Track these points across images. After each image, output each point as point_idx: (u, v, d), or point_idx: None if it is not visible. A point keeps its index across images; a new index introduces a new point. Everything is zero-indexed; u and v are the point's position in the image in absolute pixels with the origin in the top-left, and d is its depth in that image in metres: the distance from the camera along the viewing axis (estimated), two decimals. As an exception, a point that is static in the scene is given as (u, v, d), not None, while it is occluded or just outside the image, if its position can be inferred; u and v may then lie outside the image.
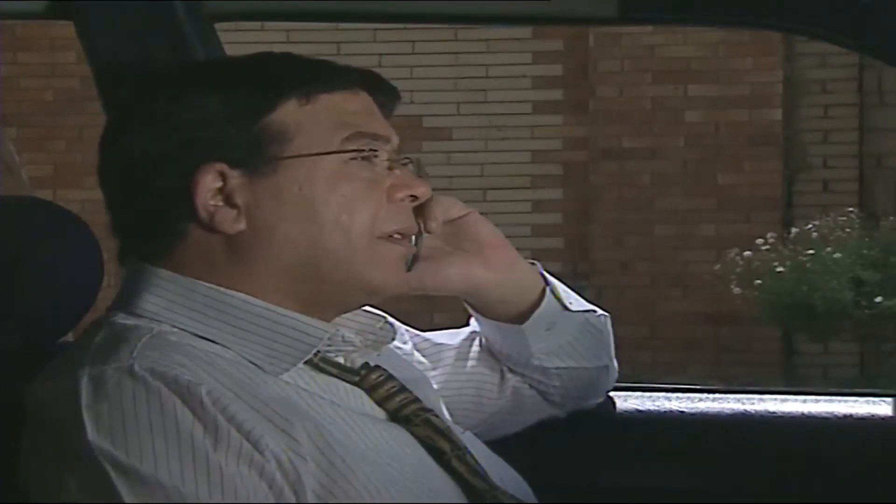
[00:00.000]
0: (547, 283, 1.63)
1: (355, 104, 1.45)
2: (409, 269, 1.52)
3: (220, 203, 1.39)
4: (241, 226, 1.40)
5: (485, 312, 1.63)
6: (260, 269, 1.40)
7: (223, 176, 1.39)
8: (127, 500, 1.25)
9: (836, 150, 8.16)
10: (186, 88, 1.42)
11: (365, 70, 1.48)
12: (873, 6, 1.47)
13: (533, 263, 1.64)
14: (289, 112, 1.41)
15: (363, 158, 1.42)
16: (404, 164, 1.47)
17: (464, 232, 1.57)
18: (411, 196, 1.46)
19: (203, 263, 1.41)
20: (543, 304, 1.61)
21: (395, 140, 1.47)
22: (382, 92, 1.49)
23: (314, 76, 1.44)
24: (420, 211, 1.53)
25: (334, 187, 1.40)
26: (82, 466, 1.28)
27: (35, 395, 1.36)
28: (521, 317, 1.62)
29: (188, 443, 1.27)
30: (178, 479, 1.26)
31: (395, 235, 1.45)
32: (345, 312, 1.47)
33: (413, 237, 1.51)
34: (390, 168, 1.45)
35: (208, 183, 1.39)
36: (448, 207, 1.56)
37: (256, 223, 1.40)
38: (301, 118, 1.41)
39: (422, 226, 1.53)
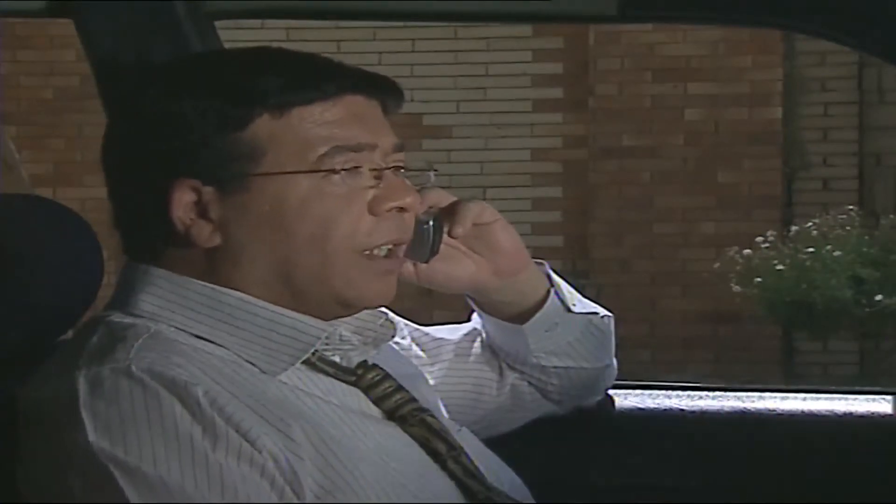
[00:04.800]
0: (552, 284, 1.63)
1: (335, 113, 1.39)
2: (426, 262, 1.53)
3: (195, 217, 1.37)
4: (217, 241, 1.38)
5: (487, 309, 1.63)
6: (238, 279, 1.39)
7: (197, 191, 1.37)
8: (132, 500, 1.25)
9: (835, 148, 8.16)
10: (168, 95, 1.39)
11: (353, 72, 1.42)
12: (873, 4, 1.47)
13: (540, 263, 1.64)
14: (262, 127, 1.37)
15: (343, 172, 1.38)
16: (396, 170, 1.42)
17: (485, 237, 1.57)
18: (398, 208, 1.41)
19: (189, 269, 1.40)
20: (546, 306, 1.61)
21: (389, 142, 1.42)
22: (377, 90, 1.43)
23: (288, 88, 1.37)
24: (449, 213, 1.53)
25: (307, 206, 1.36)
26: (84, 467, 1.27)
27: (31, 395, 1.35)
28: (524, 316, 1.61)
29: (187, 443, 1.27)
30: (178, 477, 1.25)
31: (378, 250, 1.41)
32: (331, 318, 1.44)
33: (430, 230, 1.50)
34: (377, 177, 1.40)
35: (182, 198, 1.37)
36: (479, 213, 1.55)
37: (231, 238, 1.38)
38: (274, 133, 1.37)
39: (446, 227, 1.52)
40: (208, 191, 1.37)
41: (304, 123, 1.38)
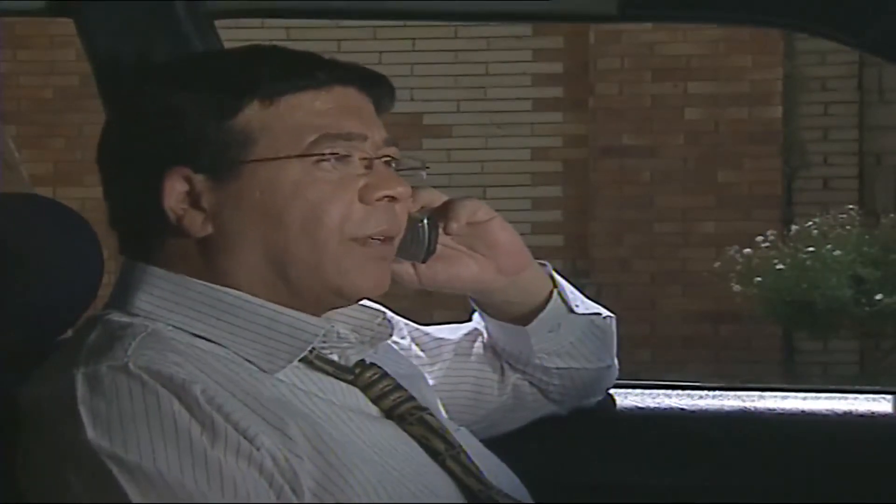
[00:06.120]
0: (555, 285, 1.62)
1: (325, 102, 1.40)
2: (423, 262, 1.52)
3: (187, 207, 1.38)
4: (209, 230, 1.38)
5: (490, 311, 1.63)
6: (231, 270, 1.39)
7: (189, 180, 1.38)
8: (134, 499, 1.25)
9: (835, 147, 8.16)
10: (163, 89, 1.40)
11: (345, 65, 1.43)
12: (873, 4, 1.47)
13: (543, 264, 1.63)
14: (253, 115, 1.38)
15: (334, 158, 1.38)
16: (386, 161, 1.43)
17: (483, 236, 1.56)
18: (389, 197, 1.42)
19: (184, 263, 1.40)
20: (549, 306, 1.61)
21: (379, 135, 1.43)
22: (369, 85, 1.44)
23: (279, 77, 1.39)
24: (444, 211, 1.53)
25: (298, 192, 1.37)
26: (84, 465, 1.27)
27: (31, 394, 1.35)
28: (526, 317, 1.61)
29: (186, 440, 1.27)
30: (178, 474, 1.25)
31: (373, 239, 1.41)
32: (327, 311, 1.45)
33: (425, 228, 1.50)
34: (368, 167, 1.41)
35: (175, 187, 1.38)
36: (473, 211, 1.55)
37: (223, 227, 1.38)
38: (266, 120, 1.38)
39: (441, 224, 1.52)
40: (200, 179, 1.38)
41: (294, 111, 1.39)
